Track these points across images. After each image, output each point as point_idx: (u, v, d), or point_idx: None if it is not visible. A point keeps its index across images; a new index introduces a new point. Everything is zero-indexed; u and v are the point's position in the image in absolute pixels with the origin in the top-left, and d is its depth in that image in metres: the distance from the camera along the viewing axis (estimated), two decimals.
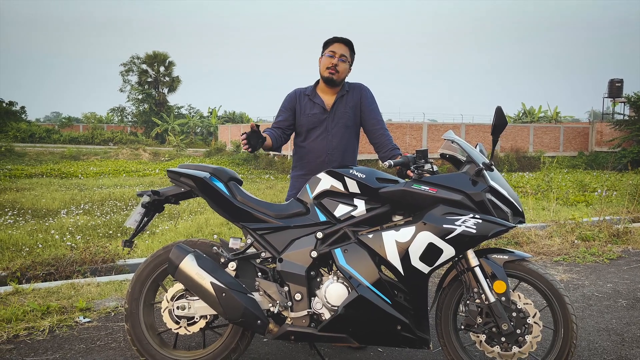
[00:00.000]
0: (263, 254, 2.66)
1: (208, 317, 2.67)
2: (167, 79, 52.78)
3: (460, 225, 2.39)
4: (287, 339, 2.56)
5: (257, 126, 2.80)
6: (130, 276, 4.60)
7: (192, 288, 2.55)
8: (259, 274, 2.65)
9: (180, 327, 2.68)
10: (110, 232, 8.19)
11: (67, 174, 21.38)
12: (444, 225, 2.40)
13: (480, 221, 2.39)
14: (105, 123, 59.22)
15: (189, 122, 51.33)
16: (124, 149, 34.75)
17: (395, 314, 2.46)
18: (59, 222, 9.26)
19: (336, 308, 2.50)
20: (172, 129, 48.25)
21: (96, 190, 15.48)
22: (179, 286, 2.71)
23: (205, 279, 2.52)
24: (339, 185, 2.65)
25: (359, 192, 2.61)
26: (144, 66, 52.07)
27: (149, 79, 52.23)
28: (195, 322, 2.67)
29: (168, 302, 2.70)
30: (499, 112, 2.35)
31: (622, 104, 31.76)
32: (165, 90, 53.24)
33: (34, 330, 3.27)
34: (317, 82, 3.28)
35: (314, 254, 2.58)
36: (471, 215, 2.41)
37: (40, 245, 6.94)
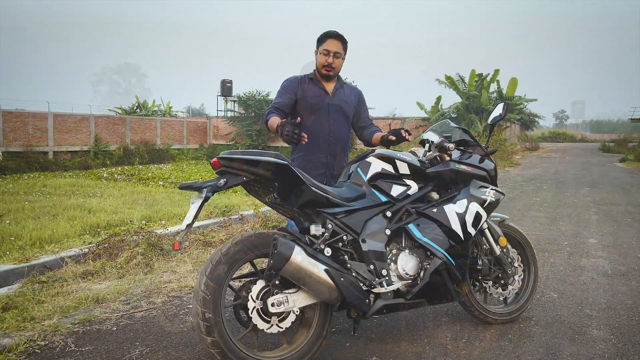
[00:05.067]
0: (345, 237, 2.66)
1: (299, 310, 2.51)
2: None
3: (489, 195, 3.03)
4: (380, 313, 2.67)
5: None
6: None
7: (303, 279, 2.41)
8: (345, 256, 2.64)
9: (272, 325, 2.44)
10: None
11: None
12: (482, 196, 3.01)
13: (496, 191, 3.10)
14: None
15: None
16: None
17: (458, 274, 2.91)
18: None
19: (413, 277, 2.76)
20: None
21: None
22: (260, 283, 2.44)
23: (319, 267, 2.42)
24: (389, 168, 2.89)
25: (409, 173, 2.91)
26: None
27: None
28: (286, 318, 2.47)
29: (255, 302, 2.41)
30: (506, 107, 3.11)
31: (233, 102, 36.06)
32: None
33: None
34: (314, 71, 3.41)
35: (388, 231, 2.76)
36: (491, 187, 3.08)
37: None
